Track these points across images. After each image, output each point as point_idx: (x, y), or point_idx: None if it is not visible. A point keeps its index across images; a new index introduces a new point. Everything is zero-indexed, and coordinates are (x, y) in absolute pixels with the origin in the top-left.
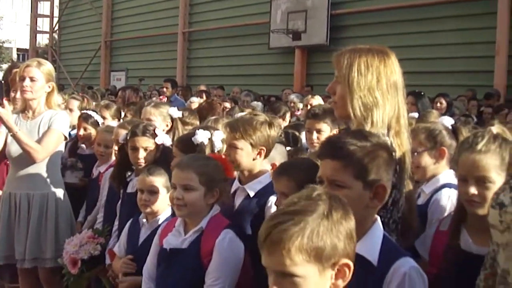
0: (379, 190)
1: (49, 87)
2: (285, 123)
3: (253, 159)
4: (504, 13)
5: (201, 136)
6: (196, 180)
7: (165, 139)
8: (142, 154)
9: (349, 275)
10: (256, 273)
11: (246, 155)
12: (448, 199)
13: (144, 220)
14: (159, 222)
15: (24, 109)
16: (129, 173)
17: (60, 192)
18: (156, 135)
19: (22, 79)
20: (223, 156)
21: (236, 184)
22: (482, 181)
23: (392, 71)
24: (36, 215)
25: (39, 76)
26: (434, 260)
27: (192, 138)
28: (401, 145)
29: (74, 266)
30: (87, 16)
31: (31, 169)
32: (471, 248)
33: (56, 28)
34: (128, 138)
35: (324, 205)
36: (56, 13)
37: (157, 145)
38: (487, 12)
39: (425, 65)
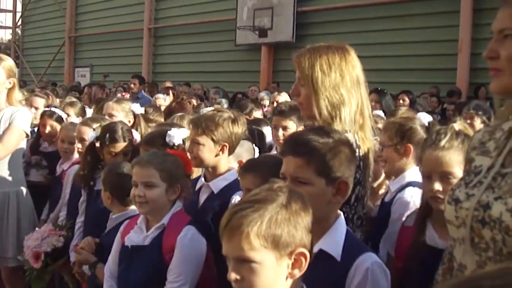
0: (341, 186)
1: (10, 83)
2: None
3: (216, 156)
4: (467, 12)
5: (176, 138)
6: (157, 177)
7: (137, 137)
8: (120, 158)
9: (305, 264)
10: (220, 271)
11: (208, 151)
12: (411, 199)
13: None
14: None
15: None
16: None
17: (22, 190)
18: (134, 139)
19: None
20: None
21: (201, 181)
22: (446, 177)
23: (353, 66)
24: None
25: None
26: (400, 255)
27: (167, 140)
28: (366, 139)
29: (37, 260)
30: (51, 11)
31: None
32: (437, 243)
33: (19, 23)
34: (107, 143)
35: (284, 196)
36: (19, 8)
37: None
38: (450, 10)
39: (389, 62)
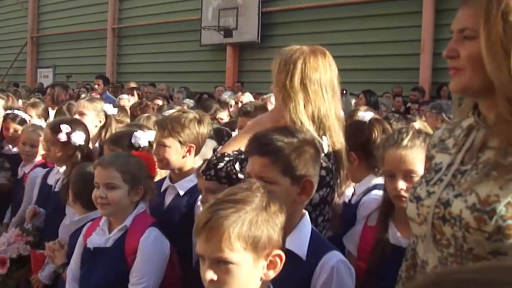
0: (307, 185)
1: None
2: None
3: (183, 157)
4: (429, 12)
5: (143, 140)
6: (119, 178)
7: (76, 138)
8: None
9: (280, 266)
10: (185, 272)
11: (175, 153)
12: (376, 201)
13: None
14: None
15: None
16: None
17: None
18: (60, 131)
19: None
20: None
21: (166, 183)
22: (409, 176)
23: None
24: None
25: None
26: (364, 255)
27: (132, 141)
28: (337, 142)
29: (2, 265)
30: (13, 11)
31: None
32: (400, 241)
33: None
34: None
35: (262, 198)
36: None
37: (67, 145)
38: (412, 11)
39: (353, 62)
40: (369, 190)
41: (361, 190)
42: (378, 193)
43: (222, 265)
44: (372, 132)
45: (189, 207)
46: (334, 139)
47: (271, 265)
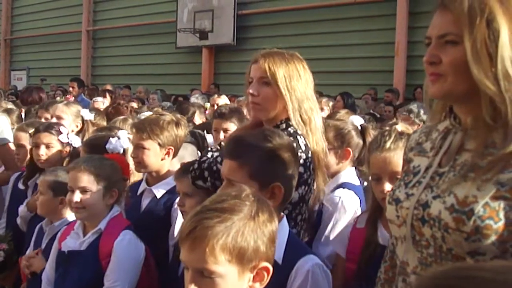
0: (275, 190)
1: None
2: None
3: (161, 159)
4: (403, 15)
5: (116, 146)
6: (93, 182)
7: (74, 140)
8: (43, 150)
9: (267, 278)
10: (161, 275)
11: (154, 155)
12: (339, 200)
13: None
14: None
15: None
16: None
17: None
18: (60, 133)
19: None
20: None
21: (143, 185)
22: (395, 177)
23: (310, 75)
24: None
25: None
26: (353, 256)
27: (106, 147)
28: (315, 142)
29: None
30: None
31: None
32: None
33: None
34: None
35: (251, 206)
36: None
37: (64, 146)
38: (386, 14)
39: (327, 65)
40: (335, 188)
41: (329, 189)
42: (342, 191)
43: (205, 276)
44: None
45: (166, 210)
46: (316, 138)
47: (257, 277)
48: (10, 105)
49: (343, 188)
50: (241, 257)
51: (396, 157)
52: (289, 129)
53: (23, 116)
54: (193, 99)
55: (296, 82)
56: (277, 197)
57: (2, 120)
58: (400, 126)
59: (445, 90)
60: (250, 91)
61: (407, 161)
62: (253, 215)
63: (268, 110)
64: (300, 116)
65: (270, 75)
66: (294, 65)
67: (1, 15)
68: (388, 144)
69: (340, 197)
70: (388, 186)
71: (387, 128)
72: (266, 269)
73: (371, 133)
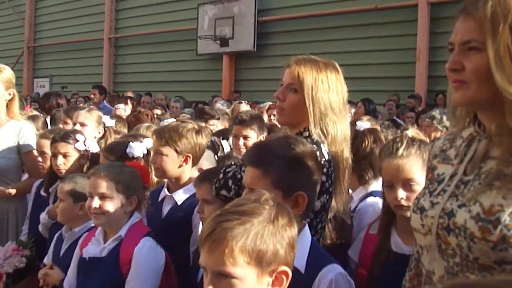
0: (299, 199)
1: (10, 94)
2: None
3: (179, 167)
4: (424, 21)
5: (137, 150)
6: (112, 188)
7: (92, 146)
8: (61, 160)
9: (286, 283)
10: (182, 282)
11: (171, 162)
12: (371, 208)
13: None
14: (77, 234)
15: None
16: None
17: (20, 207)
18: (77, 141)
19: None
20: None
21: (164, 192)
22: (408, 184)
23: (342, 84)
24: None
25: None
26: (365, 262)
27: (127, 151)
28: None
29: None
30: (9, 21)
31: None
32: (403, 249)
33: None
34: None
35: (270, 210)
36: None
37: (82, 153)
38: (408, 19)
39: (348, 71)
40: (366, 196)
41: (357, 197)
42: (374, 199)
43: (224, 279)
44: (362, 142)
45: (187, 217)
46: (338, 146)
47: (276, 282)
48: (34, 112)
49: (373, 196)
50: (259, 259)
51: (409, 164)
52: (313, 136)
53: (48, 122)
54: (218, 105)
55: (323, 93)
56: (301, 206)
57: (27, 127)
58: (411, 132)
59: (468, 97)
60: (277, 95)
61: (431, 168)
62: (273, 218)
63: (291, 116)
64: (320, 129)
65: (298, 83)
66: (326, 75)
67: (24, 23)
68: (400, 151)
69: (372, 205)
70: (401, 193)
71: (399, 134)
72: (285, 273)
73: (368, 139)
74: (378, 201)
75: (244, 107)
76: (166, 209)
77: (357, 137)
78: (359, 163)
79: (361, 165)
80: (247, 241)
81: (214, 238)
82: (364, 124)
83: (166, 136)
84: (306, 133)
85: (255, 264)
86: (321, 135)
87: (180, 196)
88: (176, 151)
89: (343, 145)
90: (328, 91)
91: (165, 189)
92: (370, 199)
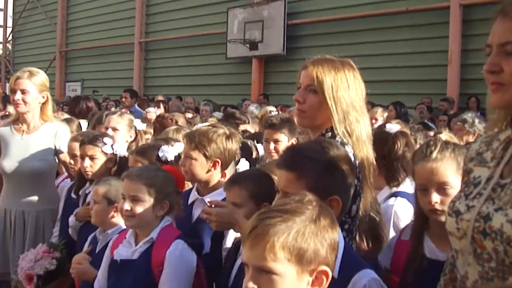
0: (333, 203)
1: (43, 97)
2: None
3: (208, 171)
4: (456, 23)
5: (170, 154)
6: (144, 192)
7: (120, 149)
8: (87, 162)
9: (326, 283)
10: (211, 285)
11: (200, 166)
12: (392, 209)
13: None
14: (110, 236)
15: (17, 120)
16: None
17: (56, 209)
18: (104, 144)
19: (13, 92)
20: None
21: (194, 195)
22: (442, 188)
23: (360, 82)
24: (33, 233)
25: (31, 88)
26: (398, 269)
27: (160, 154)
28: (363, 150)
29: (30, 282)
30: (42, 26)
31: (25, 186)
32: (437, 255)
33: (10, 38)
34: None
35: (313, 210)
36: (9, 23)
37: (109, 156)
38: (439, 22)
39: (378, 74)
40: (389, 197)
41: (382, 198)
42: (395, 200)
43: (264, 274)
44: (394, 144)
45: None
46: (363, 147)
47: (316, 281)
48: (67, 116)
49: (396, 196)
50: (300, 257)
51: (443, 168)
52: (336, 138)
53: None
54: (251, 108)
55: (343, 91)
56: (335, 210)
57: (63, 128)
58: (445, 135)
59: (505, 99)
60: (296, 97)
61: (467, 171)
62: (315, 218)
63: (313, 118)
64: (345, 128)
65: (317, 84)
66: (344, 74)
67: (56, 28)
68: (434, 154)
69: (393, 206)
70: (435, 197)
71: (432, 137)
72: (325, 273)
73: (401, 142)
74: (398, 202)
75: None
76: (196, 212)
77: (388, 139)
78: (390, 165)
79: (393, 167)
80: (288, 237)
81: (256, 233)
82: (394, 126)
83: (196, 141)
84: (329, 134)
85: (295, 262)
86: (345, 133)
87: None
88: (205, 155)
89: (366, 144)
90: (348, 89)
91: (195, 192)
92: (391, 200)
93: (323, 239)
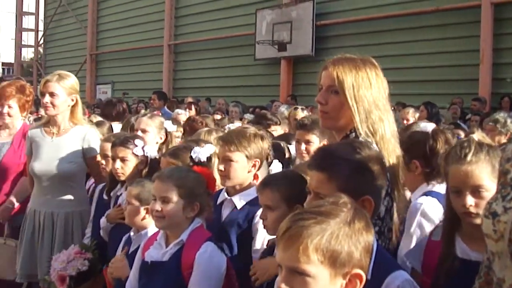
0: (366, 204)
1: (72, 100)
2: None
3: (248, 172)
4: (488, 22)
5: (203, 155)
6: (174, 193)
7: (151, 151)
8: (118, 164)
9: (359, 287)
10: (242, 286)
11: (242, 168)
12: (419, 207)
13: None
14: (143, 237)
15: (47, 123)
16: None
17: (85, 210)
18: (135, 146)
19: (43, 95)
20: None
21: (223, 196)
22: (477, 191)
23: (382, 81)
24: (62, 235)
25: (60, 91)
26: (429, 270)
27: (193, 156)
28: (387, 153)
29: (62, 283)
30: (72, 30)
31: (55, 188)
32: (470, 255)
33: (41, 42)
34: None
35: (348, 213)
36: (41, 27)
37: (140, 158)
38: (470, 21)
39: (409, 74)
40: (423, 195)
41: (415, 198)
42: (423, 199)
43: (297, 276)
44: (436, 142)
45: (247, 222)
46: (387, 145)
47: (349, 285)
48: (98, 118)
49: (427, 196)
50: (333, 260)
51: (478, 170)
52: (360, 138)
53: (116, 128)
54: (282, 109)
55: (365, 90)
56: (368, 210)
57: (92, 132)
58: (477, 136)
59: None
60: (318, 99)
61: (503, 172)
62: (349, 221)
63: (336, 119)
64: (367, 128)
65: (338, 84)
66: (365, 72)
67: (87, 31)
68: (469, 157)
69: (421, 204)
70: (470, 200)
71: (465, 139)
72: (359, 276)
73: (441, 139)
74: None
75: (301, 113)
76: (225, 213)
77: (426, 137)
78: (431, 163)
79: (434, 164)
80: (322, 240)
81: (290, 235)
82: (429, 125)
83: (236, 142)
84: (353, 135)
85: (328, 264)
86: (368, 133)
87: (240, 201)
88: (247, 156)
89: (392, 142)
90: (370, 87)
91: (225, 193)
92: (421, 199)
93: (358, 241)
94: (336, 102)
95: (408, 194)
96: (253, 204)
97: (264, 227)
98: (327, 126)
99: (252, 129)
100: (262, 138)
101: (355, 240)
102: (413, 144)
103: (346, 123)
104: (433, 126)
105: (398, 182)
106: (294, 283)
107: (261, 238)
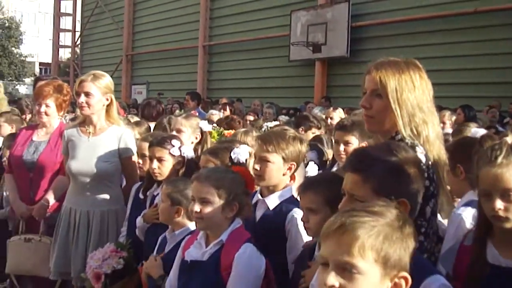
0: (401, 206)
1: (107, 99)
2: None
3: (283, 174)
4: None
5: (242, 155)
6: (213, 194)
7: (187, 152)
8: (155, 164)
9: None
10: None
11: (277, 169)
12: (459, 217)
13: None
14: (178, 237)
15: (83, 122)
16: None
17: (120, 209)
18: (172, 146)
19: (78, 94)
20: (252, 169)
21: (257, 196)
22: (507, 194)
23: (427, 83)
24: (97, 233)
25: (94, 91)
26: (459, 275)
27: (232, 156)
28: (431, 155)
29: (97, 280)
30: (109, 31)
31: (90, 187)
32: (500, 261)
33: (78, 42)
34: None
35: (398, 218)
36: (78, 27)
37: (177, 158)
38: (510, 23)
39: (445, 76)
40: (465, 204)
41: (462, 204)
42: (464, 210)
43: (347, 271)
44: (483, 148)
45: (280, 223)
46: (432, 147)
47: (395, 287)
48: (136, 118)
49: (468, 206)
50: (386, 261)
51: (509, 173)
52: (406, 140)
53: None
54: (316, 111)
55: (408, 93)
56: None
57: (127, 132)
58: (510, 138)
59: None
60: (363, 103)
61: None
62: (401, 225)
63: (381, 122)
64: (411, 130)
65: (381, 88)
66: (409, 75)
67: (123, 32)
68: (499, 160)
69: (460, 215)
70: (499, 204)
71: (497, 141)
72: (405, 278)
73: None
74: (466, 212)
75: (338, 113)
76: (258, 213)
77: (474, 142)
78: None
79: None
80: (378, 238)
81: (345, 230)
82: (480, 131)
83: (274, 143)
84: (398, 137)
85: (381, 264)
86: (412, 136)
87: (273, 201)
88: (283, 158)
89: (437, 144)
90: (413, 90)
91: (258, 194)
92: (462, 209)
93: (407, 246)
94: (380, 106)
95: (457, 200)
96: (285, 205)
97: (305, 229)
98: (372, 130)
99: (291, 131)
100: (301, 141)
101: (405, 244)
102: (458, 148)
103: (391, 126)
104: (483, 131)
105: (443, 185)
106: (342, 277)
107: (297, 240)
